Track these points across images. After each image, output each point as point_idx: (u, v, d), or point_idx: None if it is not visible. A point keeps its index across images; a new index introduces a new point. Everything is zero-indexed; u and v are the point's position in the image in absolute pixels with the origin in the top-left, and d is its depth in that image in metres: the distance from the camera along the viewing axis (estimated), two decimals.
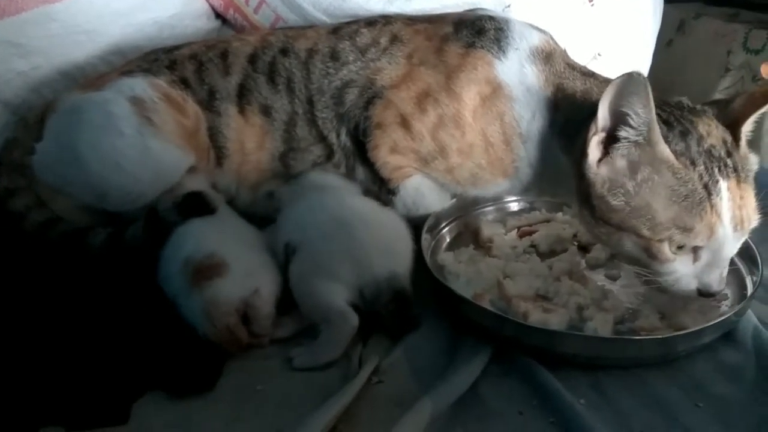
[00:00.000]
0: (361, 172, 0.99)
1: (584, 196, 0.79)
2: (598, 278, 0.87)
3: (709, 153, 0.75)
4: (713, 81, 1.87)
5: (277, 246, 0.84)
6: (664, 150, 0.74)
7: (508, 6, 1.20)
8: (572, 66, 0.91)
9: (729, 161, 0.75)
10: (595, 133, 0.76)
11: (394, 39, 0.97)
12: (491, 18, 0.96)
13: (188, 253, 0.80)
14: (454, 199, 1.01)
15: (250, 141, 0.99)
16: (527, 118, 0.89)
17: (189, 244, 0.82)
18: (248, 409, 0.70)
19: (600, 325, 0.76)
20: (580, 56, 1.29)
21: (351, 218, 0.82)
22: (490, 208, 1.05)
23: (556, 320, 0.76)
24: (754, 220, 0.77)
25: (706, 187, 0.73)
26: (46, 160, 0.95)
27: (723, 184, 0.74)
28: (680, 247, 0.75)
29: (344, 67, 0.96)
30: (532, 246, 0.96)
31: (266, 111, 0.98)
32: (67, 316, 0.80)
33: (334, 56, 0.98)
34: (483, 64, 0.91)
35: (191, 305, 0.77)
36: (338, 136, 0.97)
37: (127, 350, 0.75)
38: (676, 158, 0.74)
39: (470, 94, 0.90)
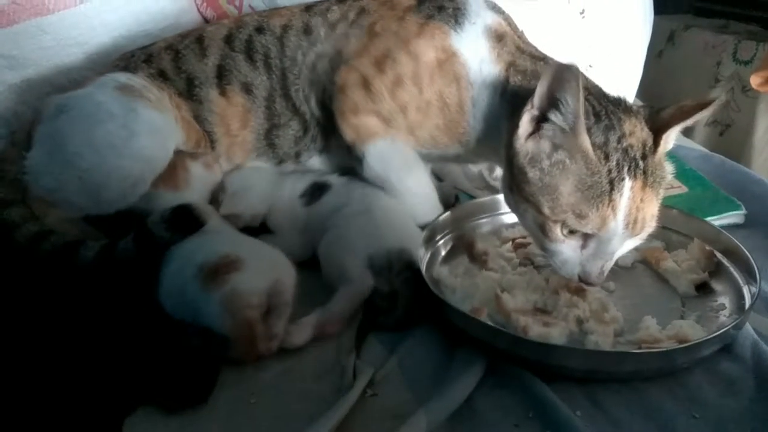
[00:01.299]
0: (335, 144, 1.03)
1: (509, 163, 0.86)
2: (594, 289, 0.86)
3: (625, 151, 0.79)
4: (703, 91, 1.89)
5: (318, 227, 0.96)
6: (585, 141, 0.78)
7: None
8: (522, 49, 0.97)
9: (641, 163, 0.79)
10: (529, 110, 0.81)
11: (362, 11, 1.01)
12: None
13: (201, 261, 0.80)
14: (449, 212, 1.01)
15: (235, 121, 1.02)
16: (479, 83, 0.94)
17: (199, 254, 0.81)
18: (242, 423, 0.69)
19: (601, 339, 0.76)
20: None
21: (371, 205, 0.95)
22: (485, 219, 1.05)
23: (556, 334, 0.76)
24: (649, 225, 0.81)
25: (611, 182, 0.77)
26: (38, 168, 0.93)
27: (627, 183, 0.78)
28: (572, 232, 0.79)
29: (317, 41, 1.01)
30: (527, 258, 0.95)
31: (247, 89, 1.01)
32: (58, 330, 0.79)
33: (307, 30, 1.02)
34: (440, 33, 0.96)
35: (209, 307, 0.76)
36: (308, 102, 1.02)
37: (119, 364, 0.74)
38: (593, 150, 0.78)
39: (427, 57, 0.95)
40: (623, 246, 0.81)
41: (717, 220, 1.03)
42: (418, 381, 0.74)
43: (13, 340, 0.78)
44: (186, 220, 0.86)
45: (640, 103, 1.52)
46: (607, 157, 0.78)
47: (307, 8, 1.05)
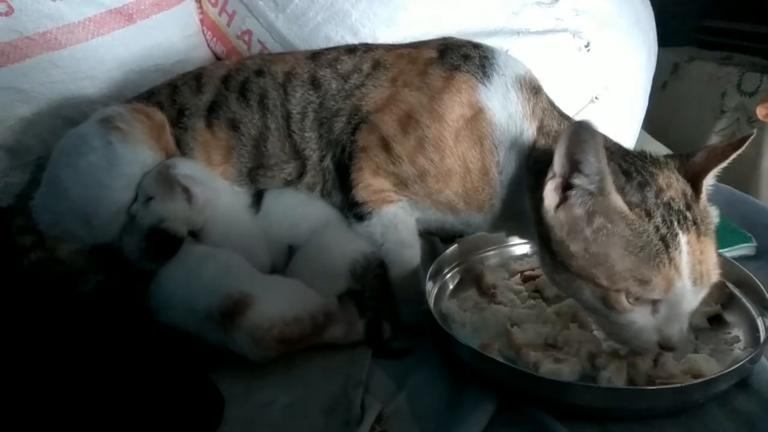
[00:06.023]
0: (337, 197, 0.99)
1: (545, 240, 0.78)
2: None
3: (668, 205, 0.74)
4: (709, 123, 1.90)
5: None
6: (617, 200, 0.73)
7: (507, 51, 1.22)
8: (554, 104, 0.92)
9: (689, 214, 0.74)
10: (551, 178, 0.76)
11: (377, 65, 0.97)
12: (476, 46, 0.95)
13: (206, 306, 0.80)
14: (455, 245, 1.00)
15: (216, 154, 1.01)
16: (506, 146, 0.87)
17: (201, 299, 0.81)
18: None
19: (614, 374, 0.74)
20: (577, 100, 1.31)
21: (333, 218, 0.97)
22: (492, 252, 1.04)
23: (567, 370, 0.74)
24: (714, 275, 0.75)
25: (663, 239, 0.71)
26: (40, 203, 0.98)
27: (682, 238, 0.72)
28: (638, 299, 0.72)
29: (328, 96, 0.97)
30: (536, 291, 0.94)
31: (234, 125, 1.00)
32: (56, 365, 0.78)
33: (315, 83, 0.98)
34: (467, 87, 0.89)
35: (238, 344, 0.78)
36: (321, 160, 0.97)
37: (122, 400, 0.73)
38: (630, 209, 0.73)
39: (453, 116, 0.88)
40: (695, 301, 0.74)
41: (728, 253, 1.02)
42: (428, 417, 0.73)
43: (10, 373, 0.77)
44: (163, 244, 0.87)
45: (645, 134, 1.53)
46: (649, 215, 0.73)
47: (313, 56, 1.01)
